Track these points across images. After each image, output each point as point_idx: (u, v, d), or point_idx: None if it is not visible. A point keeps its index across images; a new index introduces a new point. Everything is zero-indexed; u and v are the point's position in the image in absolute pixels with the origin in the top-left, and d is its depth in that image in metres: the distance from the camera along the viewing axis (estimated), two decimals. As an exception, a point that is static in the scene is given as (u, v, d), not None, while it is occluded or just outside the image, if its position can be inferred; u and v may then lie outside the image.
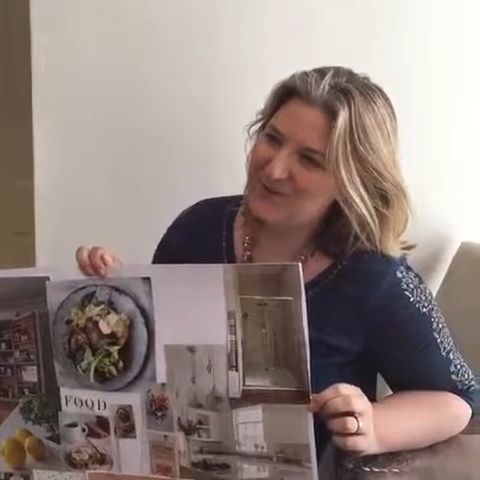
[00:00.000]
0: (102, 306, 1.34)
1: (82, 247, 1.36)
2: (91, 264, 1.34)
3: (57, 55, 2.02)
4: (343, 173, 1.37)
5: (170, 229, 1.69)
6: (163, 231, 1.70)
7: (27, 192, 2.11)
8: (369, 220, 1.40)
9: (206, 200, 1.68)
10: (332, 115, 1.37)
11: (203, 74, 2.00)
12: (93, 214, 2.07)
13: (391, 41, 1.96)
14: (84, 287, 1.35)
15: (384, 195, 1.42)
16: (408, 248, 1.51)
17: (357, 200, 1.39)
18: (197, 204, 1.68)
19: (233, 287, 1.26)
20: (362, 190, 1.39)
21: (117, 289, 1.33)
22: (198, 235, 1.59)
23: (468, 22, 1.99)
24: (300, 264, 1.24)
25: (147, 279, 1.31)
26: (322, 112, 1.38)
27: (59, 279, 1.36)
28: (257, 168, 1.44)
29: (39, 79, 2.03)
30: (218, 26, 1.99)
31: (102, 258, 1.34)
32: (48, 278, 1.36)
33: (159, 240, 1.70)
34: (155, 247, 1.70)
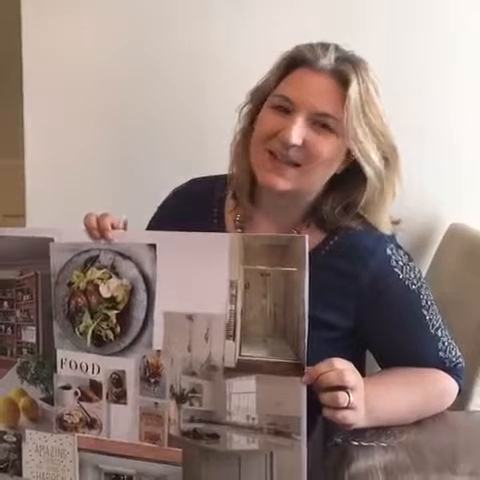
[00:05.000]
0: (104, 270, 1.35)
1: (91, 212, 1.38)
2: (98, 228, 1.35)
3: (48, 35, 2.04)
4: (361, 138, 1.43)
5: (160, 208, 1.71)
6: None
7: (17, 172, 2.10)
8: (377, 184, 1.47)
9: (196, 179, 1.70)
10: (342, 82, 1.42)
11: (193, 56, 2.03)
12: (85, 195, 2.06)
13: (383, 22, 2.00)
14: (88, 250, 1.36)
15: (386, 157, 1.48)
16: (394, 223, 1.55)
17: (375, 163, 1.45)
18: (187, 183, 1.70)
19: (237, 257, 1.28)
20: (375, 153, 1.45)
21: (121, 254, 1.35)
22: (189, 213, 1.60)
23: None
24: (307, 236, 1.25)
25: (153, 246, 1.33)
26: (331, 78, 1.43)
27: (64, 241, 1.37)
28: (265, 138, 1.46)
29: (30, 59, 2.04)
30: (209, 9, 2.02)
31: (110, 223, 1.36)
32: (53, 239, 1.37)
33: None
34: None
